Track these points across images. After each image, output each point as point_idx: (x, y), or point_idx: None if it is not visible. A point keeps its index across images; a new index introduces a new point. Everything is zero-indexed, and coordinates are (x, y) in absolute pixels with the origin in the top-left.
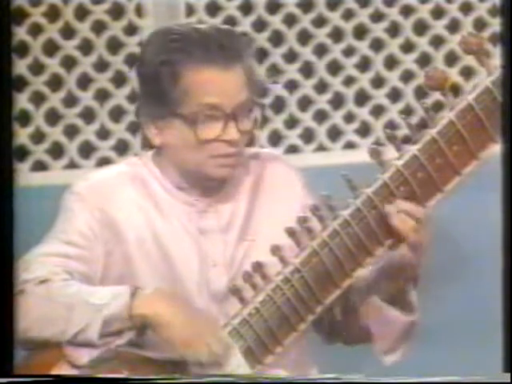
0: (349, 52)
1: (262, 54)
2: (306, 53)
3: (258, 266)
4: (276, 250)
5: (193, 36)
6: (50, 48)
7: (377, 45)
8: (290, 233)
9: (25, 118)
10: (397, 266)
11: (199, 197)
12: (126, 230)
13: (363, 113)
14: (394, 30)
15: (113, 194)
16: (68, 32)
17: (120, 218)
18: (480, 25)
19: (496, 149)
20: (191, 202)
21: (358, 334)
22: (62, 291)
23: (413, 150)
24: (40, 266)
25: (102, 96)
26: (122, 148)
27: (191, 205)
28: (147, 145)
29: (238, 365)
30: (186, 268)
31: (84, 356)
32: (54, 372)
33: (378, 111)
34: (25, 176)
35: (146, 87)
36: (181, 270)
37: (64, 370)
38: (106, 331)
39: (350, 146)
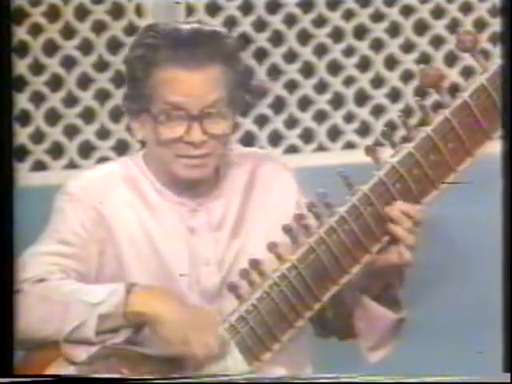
0: (349, 52)
1: (262, 54)
2: (306, 53)
3: (255, 263)
4: (273, 247)
5: (167, 34)
6: (50, 48)
7: (377, 45)
8: (287, 230)
9: (25, 118)
10: (391, 265)
11: (189, 196)
12: (118, 229)
13: (363, 113)
14: (394, 30)
15: (105, 193)
16: (68, 32)
17: (112, 218)
18: (480, 25)
19: (491, 146)
20: (181, 200)
21: (347, 331)
22: (58, 290)
23: (408, 147)
24: (35, 265)
25: (102, 96)
26: (122, 148)
27: (181, 204)
28: (134, 140)
29: (235, 362)
30: (178, 267)
31: (82, 353)
32: (53, 370)
33: (377, 111)
34: (25, 176)
35: (127, 82)
36: (172, 269)
37: (62, 367)
38: (102, 329)
39: (349, 146)
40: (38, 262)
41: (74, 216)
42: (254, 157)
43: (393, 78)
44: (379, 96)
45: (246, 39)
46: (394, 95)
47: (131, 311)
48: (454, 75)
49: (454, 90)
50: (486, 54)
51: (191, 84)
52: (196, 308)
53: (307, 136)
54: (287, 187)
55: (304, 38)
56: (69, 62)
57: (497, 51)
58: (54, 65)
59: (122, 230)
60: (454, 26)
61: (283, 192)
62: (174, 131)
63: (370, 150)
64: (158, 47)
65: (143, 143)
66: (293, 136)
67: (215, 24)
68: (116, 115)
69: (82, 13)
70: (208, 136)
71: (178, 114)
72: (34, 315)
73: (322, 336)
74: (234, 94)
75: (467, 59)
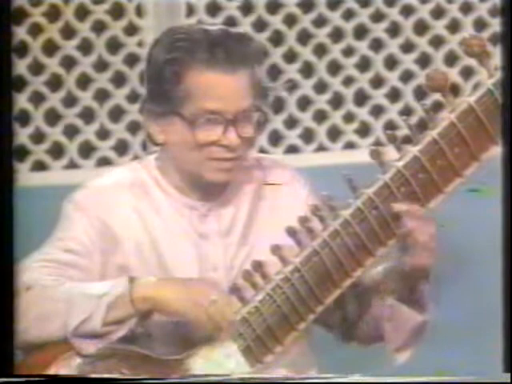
0: (349, 52)
1: (262, 55)
2: (306, 53)
3: (258, 265)
4: (276, 250)
5: (199, 37)
6: (50, 48)
7: (377, 45)
8: (291, 232)
9: (25, 118)
10: (409, 267)
11: (200, 200)
12: (124, 239)
13: (363, 113)
14: (394, 30)
15: (111, 203)
16: (68, 32)
17: (118, 227)
18: (480, 25)
19: (497, 150)
20: (192, 205)
21: (370, 334)
22: (59, 288)
23: (414, 151)
24: (38, 272)
25: (102, 96)
26: (122, 148)
27: (192, 208)
28: (151, 142)
29: (237, 363)
30: (185, 273)
31: (90, 346)
32: (53, 371)
33: (377, 111)
34: (25, 176)
35: (151, 84)
36: (180, 275)
37: (65, 367)
38: (109, 320)
39: (349, 145)
40: (40, 269)
41: (79, 225)
42: (262, 163)
43: (393, 78)
44: (379, 96)
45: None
46: (394, 95)
47: (137, 297)
48: (454, 75)
49: (456, 90)
50: (491, 58)
51: (226, 88)
52: (197, 280)
53: (307, 136)
54: (297, 194)
55: (304, 37)
56: (69, 62)
57: (497, 51)
58: (53, 65)
59: (128, 239)
60: (454, 26)
61: (292, 198)
62: (210, 134)
63: (375, 153)
64: (194, 50)
65: (156, 144)
66: (293, 136)
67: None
68: (116, 115)
69: (82, 13)
70: (241, 140)
71: (213, 117)
72: (35, 315)
73: (343, 341)
74: (259, 97)
75: (467, 59)
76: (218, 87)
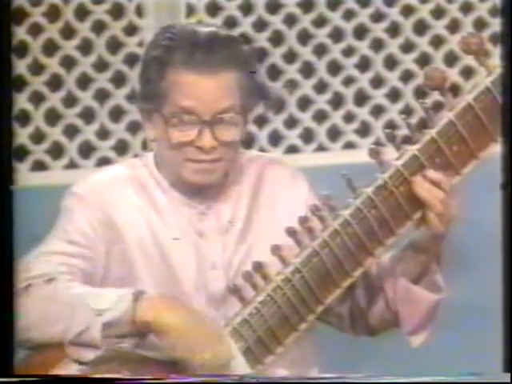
0: (349, 52)
1: (262, 54)
2: (306, 53)
3: (259, 266)
4: (276, 250)
5: (183, 36)
6: (50, 48)
7: (377, 45)
8: (291, 233)
9: (25, 118)
10: (425, 240)
11: (198, 198)
12: (125, 231)
13: (363, 113)
14: (393, 30)
15: (112, 196)
16: (68, 32)
17: (119, 219)
18: (480, 25)
19: (496, 148)
20: (191, 203)
21: (384, 318)
22: (66, 292)
23: (413, 149)
24: (43, 264)
25: (102, 96)
26: (122, 148)
27: (191, 206)
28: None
29: (238, 365)
30: (185, 270)
31: (89, 353)
32: (55, 371)
33: (377, 111)
34: (25, 176)
35: (141, 82)
36: (179, 272)
37: (64, 369)
38: (107, 335)
39: (349, 146)
40: (46, 261)
41: (81, 216)
42: (260, 161)
43: (393, 78)
44: (379, 96)
45: (246, 39)
46: (394, 95)
47: (139, 320)
48: (454, 75)
49: (456, 90)
50: (489, 56)
51: (204, 89)
52: (203, 318)
53: (307, 136)
54: (296, 191)
55: (304, 37)
56: (69, 62)
57: (497, 51)
58: (53, 65)
59: (129, 231)
60: (454, 26)
61: (291, 196)
62: (185, 135)
63: (374, 153)
64: (174, 49)
65: (150, 140)
66: (293, 136)
67: (231, 30)
68: (116, 115)
69: (82, 13)
70: (218, 142)
71: (189, 118)
72: (38, 315)
73: (353, 334)
74: (248, 101)
75: (467, 59)
76: (195, 87)
